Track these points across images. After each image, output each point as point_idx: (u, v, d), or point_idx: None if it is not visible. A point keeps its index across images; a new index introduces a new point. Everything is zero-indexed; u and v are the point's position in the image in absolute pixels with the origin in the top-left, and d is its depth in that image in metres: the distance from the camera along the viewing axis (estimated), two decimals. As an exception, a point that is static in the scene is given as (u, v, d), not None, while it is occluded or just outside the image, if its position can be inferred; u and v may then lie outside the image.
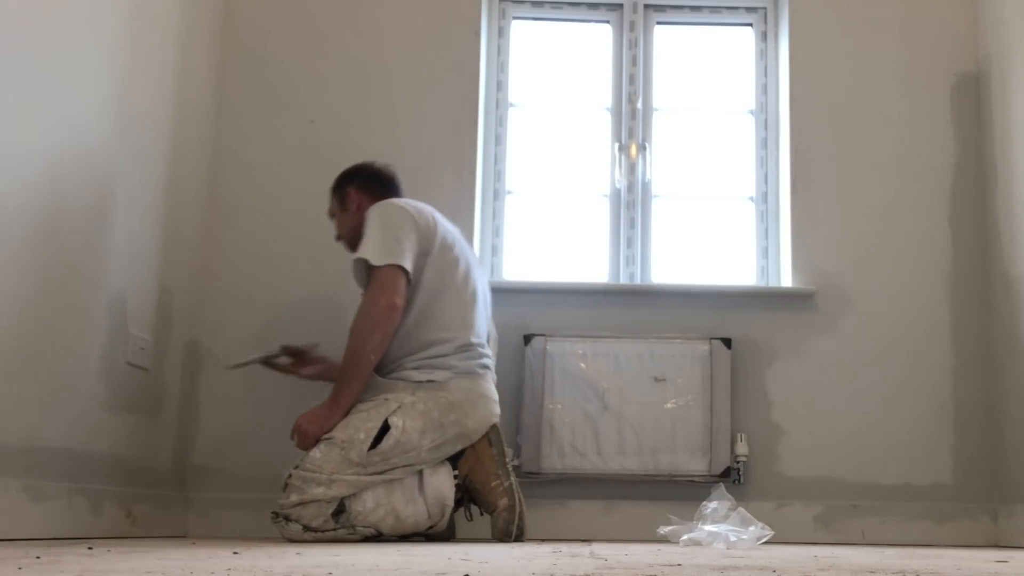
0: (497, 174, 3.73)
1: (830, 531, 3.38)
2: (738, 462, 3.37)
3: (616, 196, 3.73)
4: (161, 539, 2.88)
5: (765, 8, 3.82)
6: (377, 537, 2.69)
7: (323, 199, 3.34)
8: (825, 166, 3.60)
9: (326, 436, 2.69)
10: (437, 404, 2.74)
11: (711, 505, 2.62)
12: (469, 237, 3.53)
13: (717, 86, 3.87)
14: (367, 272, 2.80)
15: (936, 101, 3.63)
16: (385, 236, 2.79)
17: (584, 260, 3.74)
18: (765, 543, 2.48)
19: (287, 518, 2.63)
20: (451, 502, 2.75)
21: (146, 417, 3.08)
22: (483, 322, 2.97)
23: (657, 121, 3.80)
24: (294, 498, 2.63)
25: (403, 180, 3.09)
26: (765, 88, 3.79)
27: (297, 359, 3.12)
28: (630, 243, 3.69)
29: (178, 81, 3.25)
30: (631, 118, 3.76)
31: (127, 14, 2.91)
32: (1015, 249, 3.35)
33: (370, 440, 2.66)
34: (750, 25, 3.86)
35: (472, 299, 2.91)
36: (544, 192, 3.79)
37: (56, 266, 2.58)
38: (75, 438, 2.68)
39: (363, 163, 3.09)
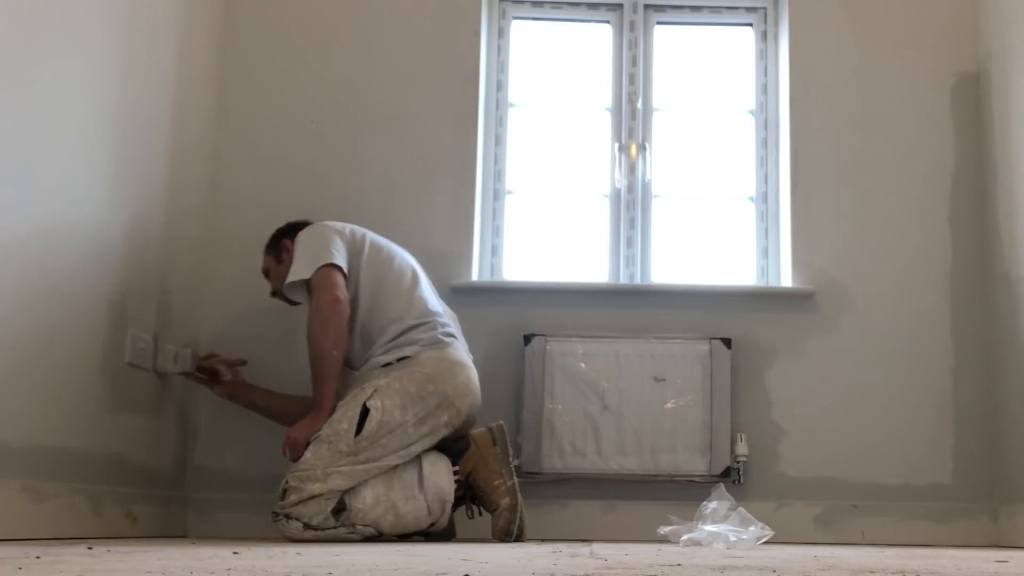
0: (497, 174, 3.73)
1: (830, 531, 3.38)
2: (738, 462, 3.37)
3: (616, 196, 3.73)
4: (161, 539, 2.88)
5: (765, 8, 3.82)
6: (377, 537, 2.69)
7: (323, 199, 3.36)
8: (825, 166, 3.60)
9: (313, 437, 2.73)
10: (412, 379, 2.80)
11: (711, 505, 2.62)
12: (469, 237, 3.54)
13: (717, 86, 3.87)
14: (307, 288, 2.88)
15: (936, 101, 3.63)
16: (311, 248, 2.89)
17: (584, 260, 3.74)
18: (765, 543, 2.48)
19: (287, 516, 2.64)
20: (451, 498, 2.76)
21: (146, 417, 3.08)
22: (434, 298, 3.05)
23: (657, 121, 3.80)
24: (293, 498, 2.64)
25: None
26: (765, 88, 3.79)
27: (210, 376, 3.19)
28: (630, 243, 3.69)
29: (178, 81, 3.25)
30: (631, 118, 3.76)
31: (127, 14, 2.91)
32: (1015, 249, 3.34)
33: (354, 427, 2.71)
34: (750, 25, 3.86)
35: (414, 283, 2.99)
36: (544, 192, 3.79)
37: (56, 266, 2.58)
38: (75, 438, 2.68)
39: (295, 220, 3.16)
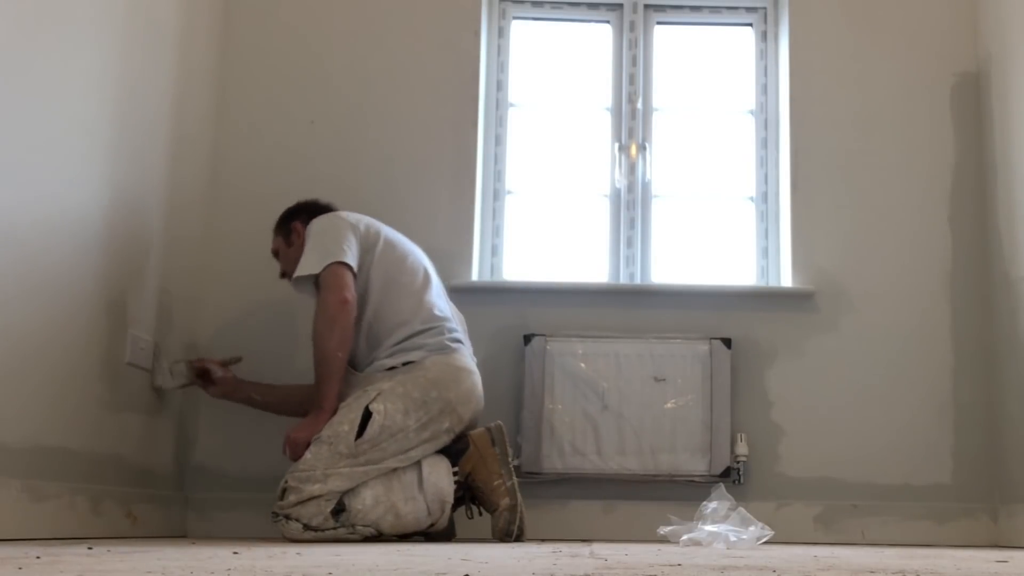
0: (497, 174, 3.73)
1: (830, 531, 3.38)
2: (738, 462, 3.37)
3: (616, 196, 3.73)
4: (161, 539, 2.88)
5: (765, 8, 3.82)
6: (377, 537, 2.69)
7: (323, 198, 3.33)
8: (825, 166, 3.60)
9: (314, 437, 2.72)
10: (416, 384, 2.78)
11: (711, 505, 2.61)
12: (469, 237, 3.53)
13: (717, 86, 3.87)
14: (315, 283, 2.85)
15: (936, 101, 3.63)
16: (322, 242, 2.85)
17: (584, 260, 3.74)
18: (765, 543, 2.48)
19: (287, 517, 2.64)
20: (451, 499, 2.76)
21: (146, 417, 3.08)
22: (443, 301, 3.02)
23: (657, 121, 3.80)
24: (292, 498, 2.64)
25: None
26: (765, 88, 3.79)
27: (203, 378, 3.14)
28: (630, 243, 3.69)
29: (178, 81, 3.24)
30: (631, 118, 3.76)
31: (127, 14, 2.91)
32: (1015, 249, 3.34)
33: (355, 430, 2.70)
34: (750, 25, 3.86)
35: (425, 284, 2.97)
36: (544, 192, 3.79)
37: (56, 266, 2.58)
38: (75, 438, 2.68)
39: (305, 200, 3.14)
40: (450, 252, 3.49)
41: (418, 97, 3.60)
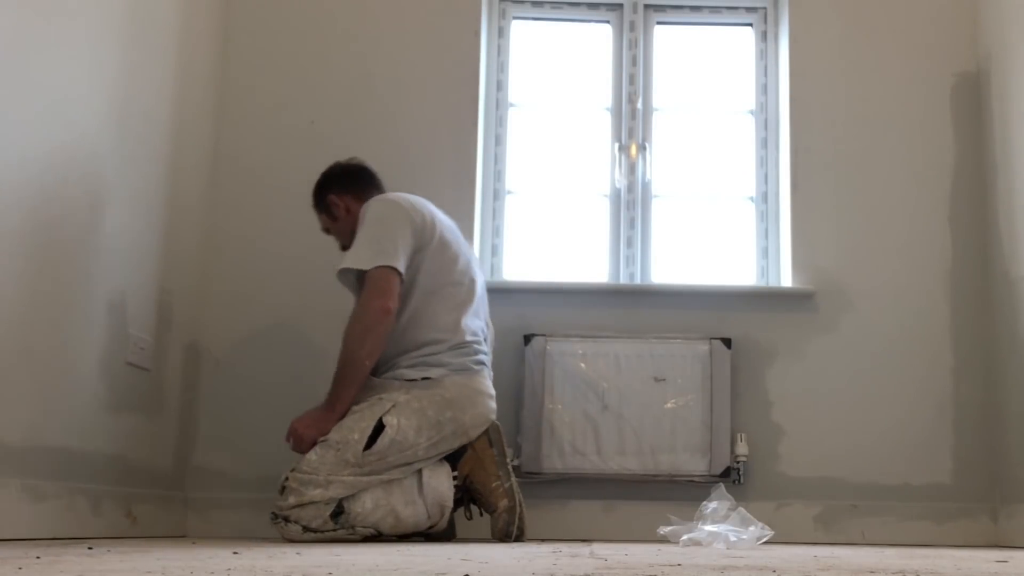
0: (497, 174, 3.73)
1: (830, 531, 3.38)
2: (738, 462, 3.37)
3: (616, 196, 3.73)
4: (161, 539, 2.88)
5: (765, 8, 3.82)
6: (377, 537, 2.68)
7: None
8: (825, 166, 3.60)
9: (321, 439, 2.68)
10: (432, 402, 2.73)
11: (711, 505, 2.61)
12: (469, 237, 3.52)
13: (717, 86, 3.87)
14: (358, 277, 2.78)
15: (936, 101, 3.63)
16: (377, 236, 2.76)
17: (584, 260, 3.74)
18: (765, 543, 2.48)
19: (286, 519, 2.63)
20: (450, 503, 2.75)
21: (146, 417, 3.08)
22: (480, 320, 2.95)
23: (657, 121, 3.80)
24: (292, 500, 2.63)
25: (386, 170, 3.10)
26: (765, 88, 3.79)
27: None
28: (630, 243, 3.69)
29: (178, 81, 3.25)
30: (631, 118, 3.76)
31: (127, 14, 2.91)
32: (1015, 249, 3.34)
33: (364, 440, 2.65)
34: (750, 25, 3.86)
35: (468, 297, 2.89)
36: (544, 192, 3.79)
37: (56, 266, 2.58)
38: (75, 438, 2.68)
39: (329, 168, 3.07)
40: (450, 252, 3.49)
41: (418, 97, 3.60)
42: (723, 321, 3.49)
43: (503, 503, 2.79)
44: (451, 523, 2.86)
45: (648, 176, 3.73)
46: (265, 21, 3.64)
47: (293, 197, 3.51)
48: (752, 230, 3.73)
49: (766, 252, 3.69)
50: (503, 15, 3.82)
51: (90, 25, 2.72)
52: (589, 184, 3.79)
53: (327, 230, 3.07)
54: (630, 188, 3.72)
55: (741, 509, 2.58)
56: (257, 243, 3.51)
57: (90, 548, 2.04)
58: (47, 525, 2.51)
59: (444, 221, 2.93)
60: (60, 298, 2.60)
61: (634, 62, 3.80)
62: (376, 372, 2.80)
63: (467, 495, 2.84)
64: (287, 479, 2.66)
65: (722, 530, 2.47)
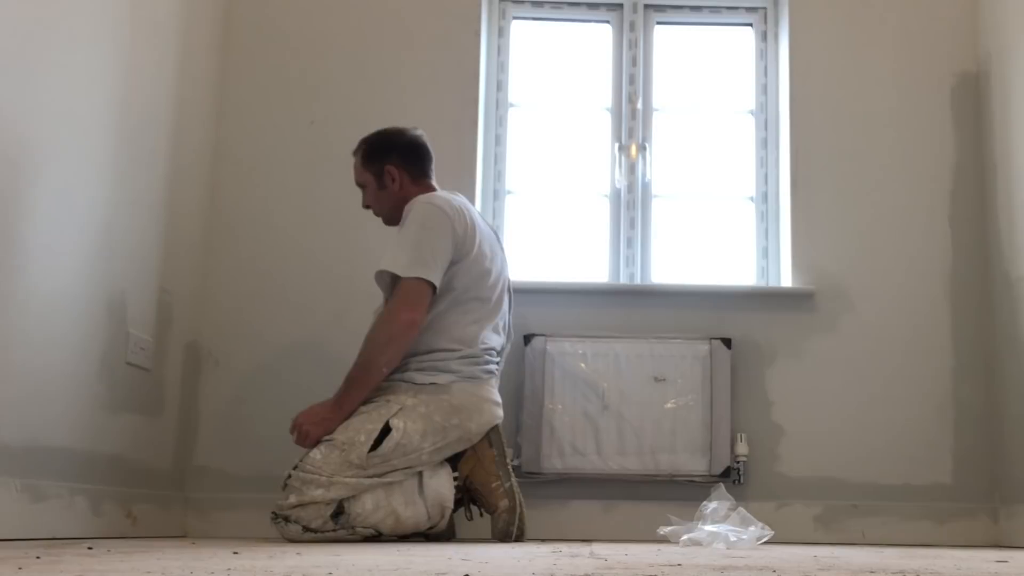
0: (497, 174, 3.73)
1: (830, 531, 3.38)
2: (738, 462, 3.37)
3: (616, 196, 3.73)
4: (161, 539, 2.88)
5: (765, 8, 3.82)
6: (377, 537, 2.68)
7: (324, 199, 3.33)
8: (825, 166, 3.60)
9: (326, 437, 2.68)
10: (439, 407, 2.73)
11: (711, 505, 2.62)
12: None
13: (717, 86, 3.87)
14: (392, 278, 2.76)
15: (936, 101, 3.63)
16: (419, 241, 2.73)
17: (584, 260, 3.74)
18: (765, 543, 2.48)
19: (286, 519, 2.63)
20: (451, 504, 2.75)
21: (146, 417, 3.08)
22: (499, 336, 2.93)
23: (657, 121, 3.80)
24: (293, 499, 2.63)
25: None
26: (765, 88, 3.79)
27: None
28: (630, 243, 3.69)
29: (178, 81, 3.24)
30: (631, 118, 3.76)
31: (127, 14, 2.91)
32: (1015, 249, 3.34)
33: (370, 442, 2.65)
34: (750, 25, 3.86)
35: (491, 314, 2.87)
36: (544, 192, 3.79)
37: (56, 266, 2.58)
38: (75, 438, 2.68)
39: (395, 133, 2.98)
40: (450, 252, 3.49)
41: (418, 97, 3.60)
42: (723, 321, 3.49)
43: (503, 503, 2.79)
44: (451, 523, 2.86)
45: (648, 176, 3.73)
46: (265, 21, 3.64)
47: (293, 197, 3.52)
48: (752, 230, 3.73)
49: (766, 252, 3.69)
50: (503, 15, 3.82)
51: (91, 25, 2.72)
52: (589, 184, 3.79)
53: (362, 185, 2.97)
54: (630, 188, 3.72)
55: (741, 509, 2.58)
56: (257, 243, 3.51)
57: (90, 548, 2.04)
58: (47, 525, 2.51)
59: (483, 229, 2.90)
60: (60, 298, 2.60)
61: (634, 62, 3.80)
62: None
63: (467, 495, 2.84)
64: (289, 476, 2.66)
65: (722, 530, 2.47)
